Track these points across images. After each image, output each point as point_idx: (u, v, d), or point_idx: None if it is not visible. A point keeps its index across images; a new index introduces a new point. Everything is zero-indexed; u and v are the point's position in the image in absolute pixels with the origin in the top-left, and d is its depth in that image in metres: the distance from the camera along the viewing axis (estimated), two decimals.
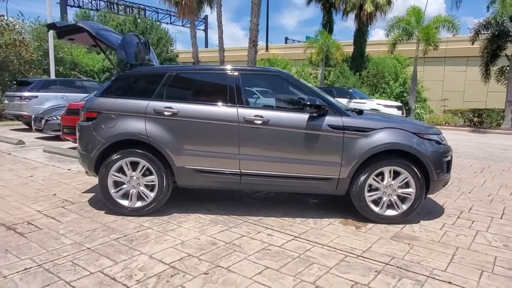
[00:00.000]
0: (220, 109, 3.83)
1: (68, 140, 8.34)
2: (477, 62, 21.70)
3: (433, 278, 2.77)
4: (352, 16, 24.17)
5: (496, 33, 18.49)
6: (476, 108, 20.97)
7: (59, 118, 9.50)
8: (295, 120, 3.79)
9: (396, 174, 3.83)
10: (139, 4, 42.99)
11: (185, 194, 4.62)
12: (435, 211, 4.33)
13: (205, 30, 50.06)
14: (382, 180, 3.84)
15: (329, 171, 3.81)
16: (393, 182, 3.82)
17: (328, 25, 25.12)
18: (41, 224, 3.61)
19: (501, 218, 4.19)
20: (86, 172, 4.27)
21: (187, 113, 3.80)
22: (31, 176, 5.55)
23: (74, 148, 7.99)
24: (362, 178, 3.80)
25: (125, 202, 3.88)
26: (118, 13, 38.48)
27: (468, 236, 3.60)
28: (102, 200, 4.21)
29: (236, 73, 3.94)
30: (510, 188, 5.62)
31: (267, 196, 4.83)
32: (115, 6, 41.69)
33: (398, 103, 15.68)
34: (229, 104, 3.84)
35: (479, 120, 19.13)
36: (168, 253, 3.06)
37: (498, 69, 19.50)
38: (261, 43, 28.50)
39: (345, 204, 4.31)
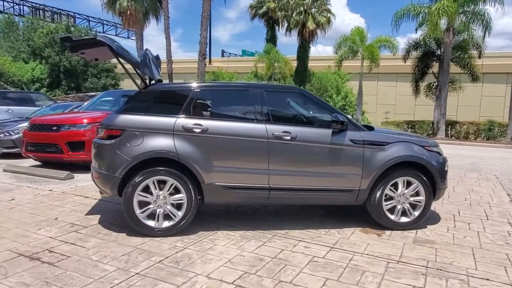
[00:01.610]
0: (250, 125, 3.88)
1: (29, 158, 7.66)
2: (406, 78, 23.98)
3: (472, 276, 3.09)
4: (295, 32, 25.39)
5: (425, 53, 20.64)
6: (409, 120, 23.09)
7: (12, 133, 8.76)
8: (321, 136, 3.98)
9: (408, 184, 4.17)
10: (68, 11, 40.39)
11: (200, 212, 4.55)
12: (433, 216, 4.76)
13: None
14: (396, 189, 4.16)
15: (351, 183, 4.03)
16: (406, 191, 4.16)
17: (272, 41, 26.03)
18: (65, 252, 3.34)
19: (487, 219, 4.74)
20: (101, 192, 4.03)
21: (217, 130, 3.79)
22: (13, 199, 5.04)
23: (37, 166, 7.38)
24: (380, 188, 4.08)
25: (151, 223, 3.73)
26: (45, 20, 35.93)
27: (474, 237, 4.04)
28: (114, 222, 4.01)
29: (261, 91, 4.03)
30: (477, 192, 6.35)
31: (277, 209, 4.93)
32: (40, 12, 38.75)
33: (349, 116, 16.72)
34: (257, 121, 3.91)
35: (413, 131, 21.07)
36: (223, 272, 3.03)
37: (426, 85, 21.70)
38: None
39: (347, 214, 4.58)
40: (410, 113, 26.96)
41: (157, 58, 4.47)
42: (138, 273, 2.96)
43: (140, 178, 3.65)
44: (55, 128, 7.01)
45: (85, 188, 5.75)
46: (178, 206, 3.79)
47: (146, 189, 3.72)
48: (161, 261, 3.19)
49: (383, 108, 27.38)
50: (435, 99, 20.76)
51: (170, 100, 3.97)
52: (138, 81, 4.15)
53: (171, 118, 3.78)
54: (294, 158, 3.93)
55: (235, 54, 44.01)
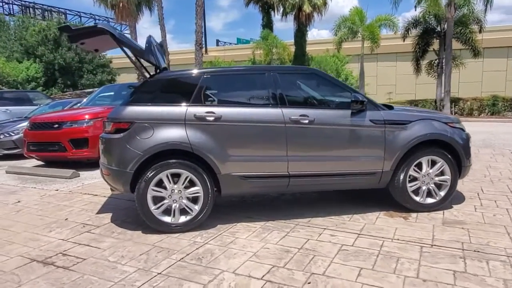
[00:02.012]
0: (265, 110, 3.67)
1: (32, 158, 7.45)
2: (406, 57, 23.60)
3: None
4: (291, 17, 24.90)
5: (425, 30, 20.26)
6: (411, 99, 22.81)
7: (12, 134, 8.55)
8: (340, 117, 3.77)
9: (432, 163, 3.98)
10: (58, 8, 39.72)
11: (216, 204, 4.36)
12: (456, 196, 4.56)
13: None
14: (420, 170, 3.96)
15: (373, 165, 3.84)
16: (430, 171, 3.97)
17: (268, 26, 25.55)
18: (80, 254, 3.15)
19: None
20: (112, 189, 3.84)
21: (231, 117, 3.58)
22: (19, 201, 4.84)
23: (40, 166, 7.19)
24: (404, 169, 3.89)
25: (167, 219, 3.54)
26: (36, 17, 35.33)
27: (504, 215, 3.86)
28: (127, 220, 3.83)
29: (274, 73, 3.80)
30: (495, 168, 6.17)
31: (294, 197, 4.74)
32: (30, 10, 38.06)
33: None
34: (272, 105, 3.69)
35: None
36: (250, 267, 2.85)
37: (427, 63, 21.35)
38: None
39: (367, 197, 4.40)
40: (411, 93, 26.65)
41: (161, 45, 4.22)
42: (160, 273, 2.78)
43: (153, 173, 3.45)
44: (56, 125, 6.79)
45: (92, 186, 5.56)
46: (194, 200, 3.60)
47: (160, 184, 3.52)
48: (182, 258, 3.01)
49: (384, 89, 27.07)
50: (436, 77, 20.46)
51: (179, 88, 3.75)
52: (145, 71, 3.91)
53: (182, 107, 3.56)
54: (313, 142, 3.72)
55: (230, 43, 43.40)
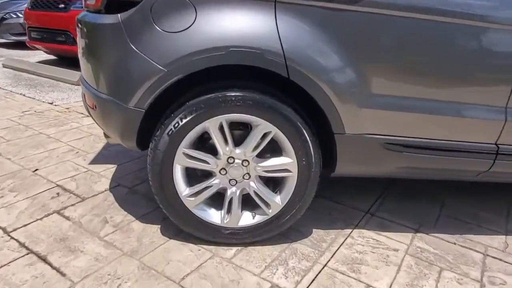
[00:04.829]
0: None
1: (36, 49, 5.65)
2: None
3: None
4: None
5: None
6: None
7: (20, 15, 6.70)
8: None
9: None
10: None
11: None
12: None
13: None
14: None
15: None
16: None
17: None
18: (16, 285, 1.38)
19: None
20: (106, 136, 1.93)
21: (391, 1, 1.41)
22: None
23: (44, 62, 5.41)
24: None
25: (214, 216, 1.65)
26: None
27: None
28: (137, 183, 2.00)
29: None
30: None
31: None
32: None
33: None
34: None
35: None
36: None
37: None
38: None
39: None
40: None
41: None
42: None
43: (190, 117, 1.45)
44: (62, 5, 4.79)
45: None
46: (276, 182, 1.65)
47: (203, 143, 1.57)
48: None
49: None
50: None
51: None
52: None
53: None
54: None
55: None
